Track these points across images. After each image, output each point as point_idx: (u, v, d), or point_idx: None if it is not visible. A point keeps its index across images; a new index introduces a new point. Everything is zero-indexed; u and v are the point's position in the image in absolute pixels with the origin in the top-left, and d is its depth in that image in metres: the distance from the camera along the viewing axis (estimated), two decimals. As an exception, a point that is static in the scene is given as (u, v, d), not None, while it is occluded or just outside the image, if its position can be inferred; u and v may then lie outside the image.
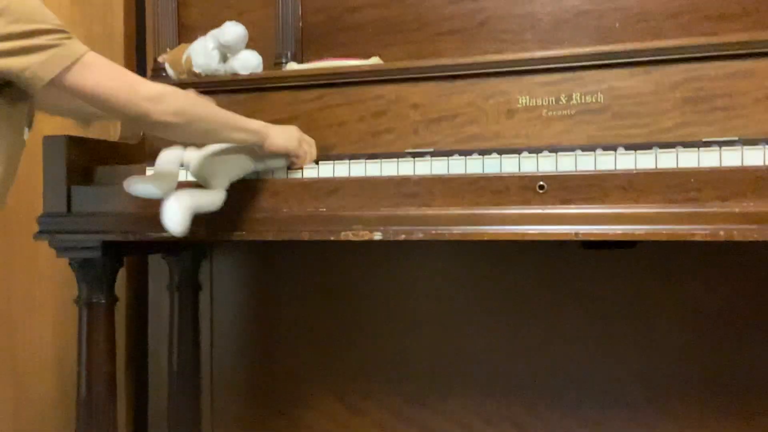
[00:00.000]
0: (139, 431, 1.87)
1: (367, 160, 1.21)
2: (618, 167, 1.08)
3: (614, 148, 1.10)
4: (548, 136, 1.20)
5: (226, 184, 1.21)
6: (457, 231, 1.12)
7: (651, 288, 1.51)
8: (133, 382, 1.85)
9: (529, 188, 1.09)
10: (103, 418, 1.39)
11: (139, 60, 1.81)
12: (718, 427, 1.48)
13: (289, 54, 1.53)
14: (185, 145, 1.27)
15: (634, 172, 1.06)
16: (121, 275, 1.76)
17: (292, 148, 1.23)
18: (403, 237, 1.14)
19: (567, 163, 1.10)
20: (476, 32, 1.47)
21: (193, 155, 1.24)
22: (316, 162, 1.25)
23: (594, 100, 1.19)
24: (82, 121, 1.39)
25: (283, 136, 1.22)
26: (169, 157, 1.27)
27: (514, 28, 1.45)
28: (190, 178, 1.24)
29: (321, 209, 1.19)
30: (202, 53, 1.43)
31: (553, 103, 1.22)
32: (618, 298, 1.53)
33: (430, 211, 1.14)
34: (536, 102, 1.23)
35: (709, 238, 1.01)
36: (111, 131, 1.68)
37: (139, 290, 1.85)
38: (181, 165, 1.27)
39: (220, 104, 1.24)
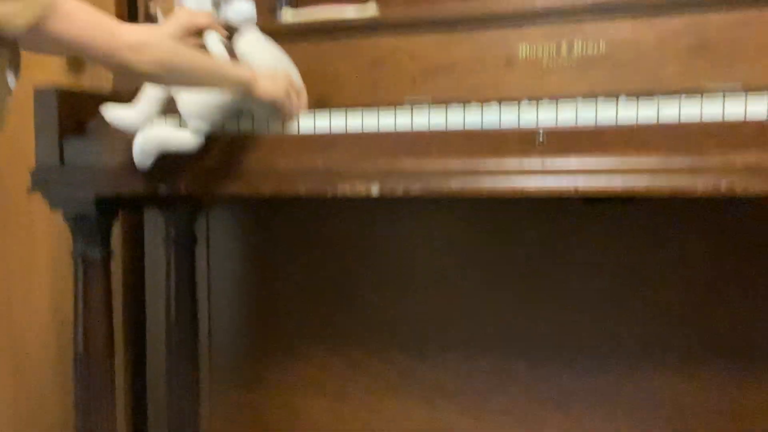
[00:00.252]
0: (137, 385, 1.88)
1: (364, 113, 1.19)
2: (619, 118, 1.06)
3: (615, 98, 1.08)
4: (549, 87, 1.18)
5: (205, 128, 1.19)
6: (456, 185, 1.11)
7: (651, 245, 1.51)
8: (131, 336, 1.86)
9: (528, 140, 1.07)
10: (101, 372, 1.40)
11: (131, 7, 1.77)
12: (713, 382, 1.49)
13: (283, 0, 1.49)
14: None
15: (636, 123, 1.04)
16: (117, 230, 1.76)
17: (278, 98, 1.19)
18: (401, 191, 1.13)
19: (567, 113, 1.08)
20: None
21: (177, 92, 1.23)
22: (312, 114, 1.23)
23: (595, 51, 1.17)
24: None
25: (271, 87, 1.18)
26: (152, 92, 1.25)
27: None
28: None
29: (317, 163, 1.18)
30: (194, 2, 1.39)
31: (554, 53, 1.19)
32: (618, 256, 1.52)
33: (427, 165, 1.12)
34: (537, 53, 1.20)
35: (711, 192, 0.99)
36: (104, 82, 1.65)
37: (136, 244, 1.85)
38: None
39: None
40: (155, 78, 1.08)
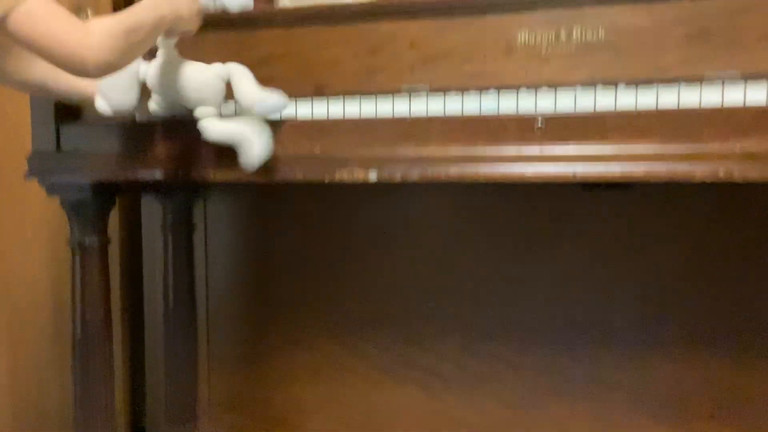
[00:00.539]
0: (136, 371, 1.89)
1: (362, 99, 1.19)
2: (618, 105, 1.06)
3: (615, 85, 1.08)
4: (547, 73, 1.17)
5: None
6: (454, 171, 1.11)
7: (649, 228, 1.51)
8: (129, 322, 1.86)
9: (527, 127, 1.07)
10: (99, 359, 1.40)
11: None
12: (712, 366, 1.50)
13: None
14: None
15: (635, 110, 1.04)
16: (115, 216, 1.75)
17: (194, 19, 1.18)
18: (398, 177, 1.13)
19: (566, 100, 1.07)
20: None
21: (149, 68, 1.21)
22: (310, 100, 1.22)
23: (595, 37, 1.16)
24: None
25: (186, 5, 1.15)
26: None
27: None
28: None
29: (315, 150, 1.17)
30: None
31: (553, 40, 1.18)
32: (616, 238, 1.53)
33: (426, 151, 1.12)
34: (536, 39, 1.19)
35: (708, 179, 0.99)
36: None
37: (133, 231, 1.84)
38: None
39: (209, 42, 1.21)
40: (114, 66, 1.04)
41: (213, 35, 1.31)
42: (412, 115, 1.15)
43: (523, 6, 1.19)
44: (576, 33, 1.17)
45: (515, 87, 1.14)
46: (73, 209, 1.37)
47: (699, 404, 1.51)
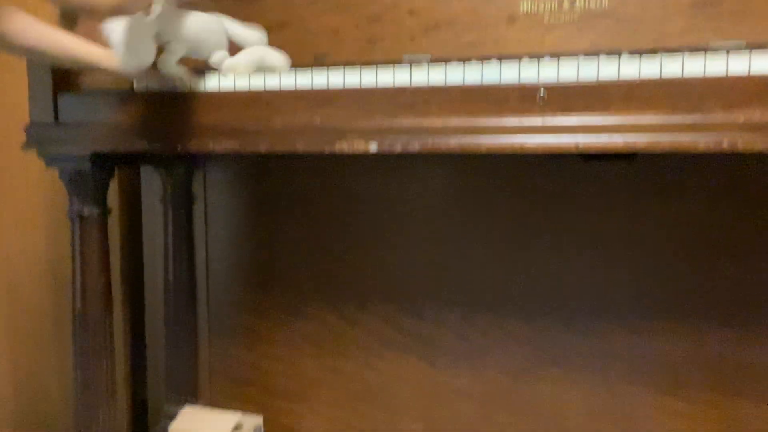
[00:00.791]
0: (136, 343, 1.90)
1: (362, 69, 1.17)
2: (621, 74, 1.04)
3: (618, 55, 1.07)
4: (550, 43, 1.16)
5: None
6: (455, 142, 1.10)
7: (650, 203, 1.51)
8: (129, 294, 1.86)
9: (529, 97, 1.06)
10: (100, 330, 1.40)
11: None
12: (711, 338, 1.50)
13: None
14: None
15: (638, 80, 1.03)
16: (115, 190, 1.75)
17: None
18: (399, 148, 1.12)
19: (569, 70, 1.06)
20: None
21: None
22: (309, 70, 1.21)
23: (598, 5, 1.15)
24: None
25: None
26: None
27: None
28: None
29: (315, 120, 1.16)
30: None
31: (556, 8, 1.17)
32: (616, 213, 1.52)
33: (426, 122, 1.11)
34: (538, 7, 1.18)
35: (712, 149, 0.99)
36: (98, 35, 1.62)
37: (133, 203, 1.84)
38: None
39: (209, 10, 1.19)
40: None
41: (213, 3, 1.30)
42: (413, 86, 1.13)
43: (526, -26, 1.18)
44: (579, 1, 1.16)
45: (517, 56, 1.13)
46: (72, 180, 1.37)
47: (695, 374, 1.52)
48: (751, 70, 1.01)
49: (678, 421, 1.54)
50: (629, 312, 1.54)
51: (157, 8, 1.17)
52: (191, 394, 1.81)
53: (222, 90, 1.22)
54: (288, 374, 1.80)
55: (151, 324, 1.87)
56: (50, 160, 1.36)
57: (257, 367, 1.82)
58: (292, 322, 1.78)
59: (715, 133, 0.99)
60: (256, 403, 1.82)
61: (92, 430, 1.42)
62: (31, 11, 1.11)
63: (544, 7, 1.17)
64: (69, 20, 1.39)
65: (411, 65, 1.16)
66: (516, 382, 1.63)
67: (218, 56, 1.22)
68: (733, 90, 0.99)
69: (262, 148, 1.18)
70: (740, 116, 0.98)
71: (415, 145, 1.11)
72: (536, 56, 1.12)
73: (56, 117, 1.33)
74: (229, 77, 1.22)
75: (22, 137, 1.36)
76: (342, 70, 1.17)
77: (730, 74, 1.01)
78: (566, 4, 1.16)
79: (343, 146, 1.14)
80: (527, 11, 1.19)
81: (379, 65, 1.17)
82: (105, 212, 1.39)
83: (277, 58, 1.23)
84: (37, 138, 1.35)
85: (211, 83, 1.22)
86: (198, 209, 1.78)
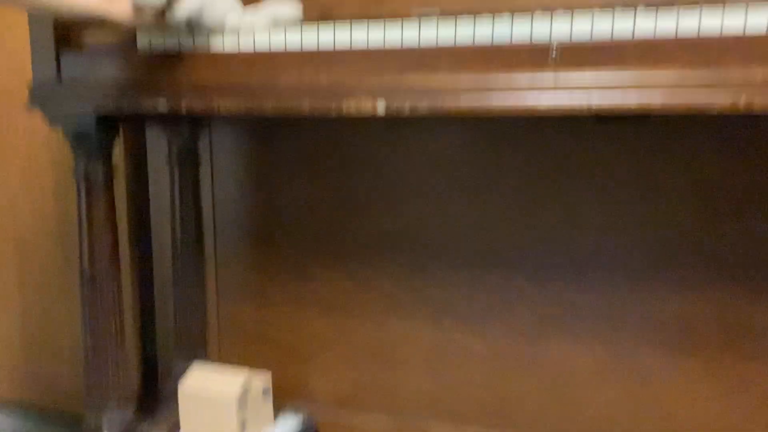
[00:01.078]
0: (145, 301, 1.90)
1: (370, 25, 1.14)
2: (636, 30, 1.01)
3: (634, 8, 1.04)
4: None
5: None
6: (465, 102, 1.08)
7: (664, 166, 1.48)
8: (137, 255, 1.87)
9: (541, 54, 1.04)
10: (107, 290, 1.40)
11: None
12: (724, 300, 1.49)
13: None
14: None
15: (653, 36, 1.00)
16: (120, 148, 1.74)
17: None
18: (407, 107, 1.10)
19: (583, 24, 1.03)
20: None
21: None
22: (316, 28, 1.18)
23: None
24: None
25: None
26: None
27: None
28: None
29: (321, 79, 1.14)
30: None
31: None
32: (629, 175, 1.50)
33: (435, 81, 1.09)
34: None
35: (728, 109, 0.96)
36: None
37: (139, 164, 1.83)
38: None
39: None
40: None
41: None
42: (422, 44, 1.11)
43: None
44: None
45: (529, 11, 1.10)
46: (76, 139, 1.36)
47: (707, 335, 1.52)
48: (770, 25, 0.98)
49: (689, 381, 1.54)
50: (641, 274, 1.53)
51: None
52: (200, 352, 1.82)
53: (227, 49, 1.20)
54: (296, 333, 1.81)
55: (160, 282, 1.88)
56: (54, 119, 1.35)
57: (266, 327, 1.83)
58: (299, 281, 1.78)
59: (731, 91, 0.97)
60: (265, 361, 1.83)
61: (102, 388, 1.43)
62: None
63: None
64: None
65: (420, 21, 1.13)
66: (525, 342, 1.63)
67: (233, 18, 1.19)
68: (750, 46, 0.97)
69: (268, 108, 1.16)
70: (758, 74, 0.96)
71: (423, 105, 1.09)
72: (549, 10, 1.08)
73: (59, 75, 1.31)
74: (234, 35, 1.19)
75: (26, 96, 1.35)
76: (349, 25, 1.15)
77: (747, 31, 0.98)
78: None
79: (351, 106, 1.12)
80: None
81: (387, 21, 1.14)
82: (111, 172, 1.38)
83: (289, 11, 1.20)
84: (40, 96, 1.33)
85: (216, 41, 1.20)
86: (204, 170, 1.77)
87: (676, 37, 1.00)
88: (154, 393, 1.90)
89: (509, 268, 1.62)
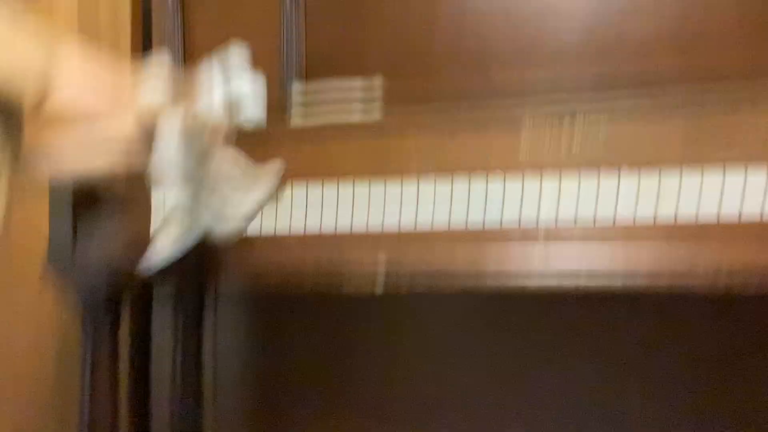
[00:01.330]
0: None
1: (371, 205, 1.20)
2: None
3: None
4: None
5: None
6: (459, 282, 1.13)
7: (654, 339, 1.52)
8: (135, 419, 1.85)
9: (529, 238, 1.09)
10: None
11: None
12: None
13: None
14: None
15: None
16: (126, 321, 1.75)
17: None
18: (405, 287, 1.15)
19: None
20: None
21: None
22: (320, 211, 1.25)
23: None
24: None
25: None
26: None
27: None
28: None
29: (322, 260, 1.20)
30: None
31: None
32: (621, 349, 1.53)
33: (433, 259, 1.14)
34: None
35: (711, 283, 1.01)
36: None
37: (143, 336, 1.84)
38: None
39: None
40: None
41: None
42: (418, 226, 1.17)
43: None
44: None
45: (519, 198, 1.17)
46: (87, 303, 1.39)
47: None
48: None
49: None
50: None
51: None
52: None
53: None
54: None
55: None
56: (67, 281, 1.39)
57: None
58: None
59: (712, 271, 1.02)
60: None
61: None
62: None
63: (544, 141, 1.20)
64: None
65: (417, 204, 1.19)
66: None
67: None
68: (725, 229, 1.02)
69: (272, 287, 1.20)
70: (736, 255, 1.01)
71: (421, 283, 1.14)
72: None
73: (75, 238, 1.36)
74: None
75: (39, 258, 1.39)
76: (350, 211, 1.21)
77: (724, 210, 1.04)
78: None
79: (351, 286, 1.17)
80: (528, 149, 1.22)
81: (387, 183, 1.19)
82: (117, 338, 1.41)
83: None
84: (55, 263, 1.37)
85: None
86: (207, 347, 1.79)
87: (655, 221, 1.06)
88: None
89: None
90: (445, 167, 1.26)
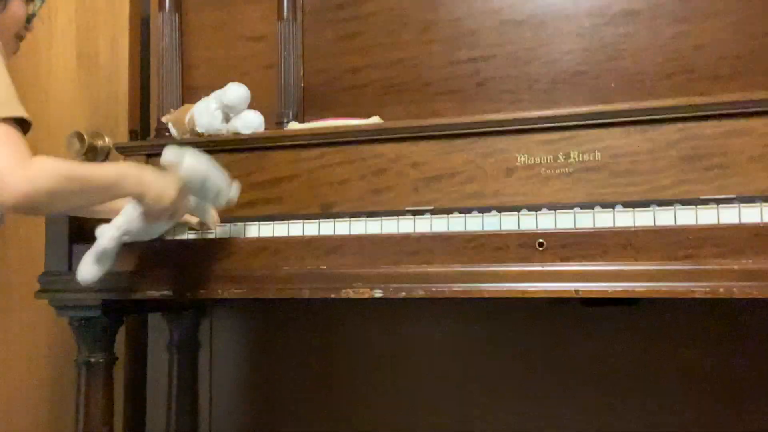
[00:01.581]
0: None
1: (368, 218, 1.22)
2: (617, 225, 1.08)
3: (613, 206, 1.12)
4: (547, 194, 1.21)
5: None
6: (458, 288, 1.12)
7: (651, 348, 1.51)
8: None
9: (528, 245, 1.10)
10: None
11: (143, 120, 1.84)
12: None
13: (290, 114, 1.56)
14: None
15: (633, 229, 1.07)
16: (120, 334, 1.75)
17: (166, 207, 1.16)
18: (403, 294, 1.14)
19: (566, 221, 1.10)
20: (475, 92, 1.50)
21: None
22: (317, 219, 1.26)
23: (592, 159, 1.21)
24: None
25: (160, 196, 1.14)
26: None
27: (512, 88, 1.48)
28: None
29: (322, 267, 1.20)
30: (205, 113, 1.45)
31: (552, 161, 1.23)
32: (618, 358, 1.52)
33: (430, 269, 1.14)
34: (535, 160, 1.24)
35: (708, 295, 1.00)
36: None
37: (138, 349, 1.84)
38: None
39: (221, 163, 1.25)
40: (49, 200, 1.03)
41: (225, 156, 1.37)
42: (417, 234, 1.17)
43: (522, 129, 1.25)
44: (573, 155, 1.22)
45: (516, 207, 1.18)
46: (82, 328, 1.38)
47: None
48: (742, 219, 1.05)
49: None
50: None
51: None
52: None
53: (231, 237, 1.26)
54: None
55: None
56: (62, 309, 1.38)
57: None
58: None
59: (711, 281, 1.02)
60: None
61: None
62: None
63: (540, 159, 1.23)
64: None
65: (414, 215, 1.20)
66: None
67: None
68: (725, 239, 1.02)
69: (269, 294, 1.20)
70: (734, 264, 1.01)
71: (419, 292, 1.14)
72: (534, 207, 1.16)
73: (70, 266, 1.36)
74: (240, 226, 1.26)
75: (34, 285, 1.39)
76: (348, 219, 1.22)
77: (721, 224, 1.05)
78: (561, 157, 1.22)
79: (349, 293, 1.16)
80: (524, 163, 1.25)
81: (383, 215, 1.22)
82: (112, 360, 1.40)
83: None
84: (50, 286, 1.37)
85: (221, 231, 1.27)
86: (203, 357, 1.78)
87: (654, 229, 1.07)
88: None
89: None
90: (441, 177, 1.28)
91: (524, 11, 1.48)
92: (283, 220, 1.27)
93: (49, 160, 1.04)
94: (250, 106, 1.45)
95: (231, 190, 1.25)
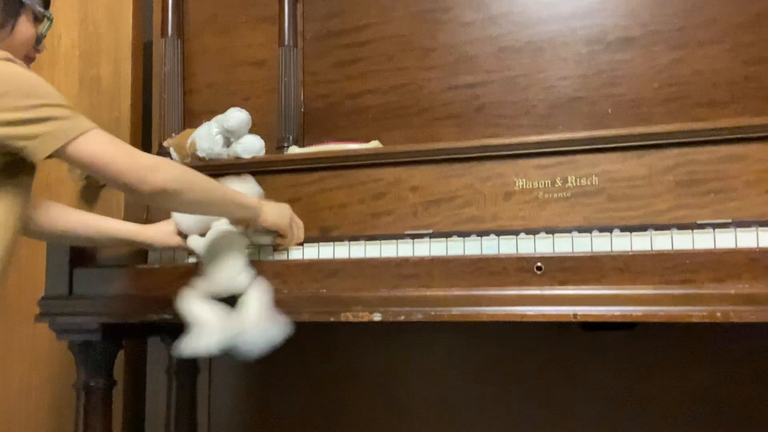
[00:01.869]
0: None
1: (367, 242, 1.23)
2: (614, 249, 1.09)
3: (610, 230, 1.12)
4: (545, 217, 1.22)
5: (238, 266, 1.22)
6: (456, 312, 1.13)
7: (649, 371, 1.51)
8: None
9: (526, 269, 1.10)
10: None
11: (145, 145, 1.85)
12: None
13: (291, 138, 1.57)
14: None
15: (630, 253, 1.07)
16: (120, 358, 1.75)
17: (283, 225, 1.26)
18: (402, 318, 1.15)
19: (564, 245, 1.11)
20: (473, 117, 1.52)
21: (198, 241, 1.28)
22: (316, 243, 1.27)
23: (589, 183, 1.22)
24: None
25: (276, 213, 1.25)
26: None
27: (510, 114, 1.49)
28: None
29: (321, 290, 1.20)
30: (206, 138, 1.46)
31: (549, 185, 1.24)
32: (616, 381, 1.52)
33: (429, 292, 1.15)
34: (533, 184, 1.25)
35: (706, 320, 1.01)
36: (114, 212, 1.70)
37: (137, 373, 1.84)
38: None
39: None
40: (169, 196, 1.09)
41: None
42: (415, 258, 1.18)
43: (520, 153, 1.26)
44: (571, 180, 1.23)
45: (514, 230, 1.19)
46: (81, 351, 1.38)
47: None
48: (738, 244, 1.05)
49: None
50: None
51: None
52: None
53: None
54: None
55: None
56: (61, 332, 1.38)
57: None
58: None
59: (708, 305, 1.02)
60: None
61: None
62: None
63: (538, 184, 1.24)
64: (91, 193, 1.48)
65: (413, 239, 1.21)
66: None
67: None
68: (722, 263, 1.03)
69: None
70: (731, 288, 1.01)
71: (417, 315, 1.14)
72: (532, 231, 1.17)
73: (70, 290, 1.37)
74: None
75: (33, 309, 1.39)
76: (347, 243, 1.23)
77: (718, 248, 1.06)
78: (559, 182, 1.23)
79: (348, 316, 1.17)
80: (522, 188, 1.26)
81: (382, 239, 1.22)
82: (111, 384, 1.40)
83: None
84: (50, 310, 1.37)
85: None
86: (202, 381, 1.77)
87: (652, 254, 1.07)
88: None
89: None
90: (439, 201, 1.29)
91: (522, 38, 1.50)
92: (282, 243, 1.28)
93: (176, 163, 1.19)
94: (251, 131, 1.46)
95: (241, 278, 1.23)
